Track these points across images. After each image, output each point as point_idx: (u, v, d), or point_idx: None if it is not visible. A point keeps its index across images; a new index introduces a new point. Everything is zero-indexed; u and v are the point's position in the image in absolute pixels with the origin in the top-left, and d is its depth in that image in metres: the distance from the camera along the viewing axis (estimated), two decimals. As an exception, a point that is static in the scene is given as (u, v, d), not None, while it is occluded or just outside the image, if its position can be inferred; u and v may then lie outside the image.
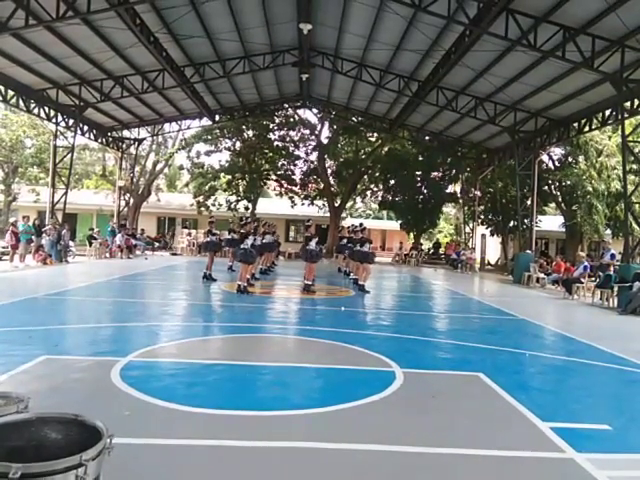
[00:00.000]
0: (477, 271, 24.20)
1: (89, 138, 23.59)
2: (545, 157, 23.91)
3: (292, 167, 31.84)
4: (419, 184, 30.08)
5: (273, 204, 36.12)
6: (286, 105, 27.31)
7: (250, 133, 30.51)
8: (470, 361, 6.16)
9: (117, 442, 3.28)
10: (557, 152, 25.37)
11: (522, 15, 11.60)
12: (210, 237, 14.21)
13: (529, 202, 20.85)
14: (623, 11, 10.48)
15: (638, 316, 11.04)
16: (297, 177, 31.92)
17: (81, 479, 1.80)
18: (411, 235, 31.67)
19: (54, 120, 19.21)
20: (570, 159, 24.53)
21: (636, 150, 16.68)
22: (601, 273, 13.75)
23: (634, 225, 17.24)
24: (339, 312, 9.82)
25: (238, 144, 30.95)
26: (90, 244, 22.26)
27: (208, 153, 30.94)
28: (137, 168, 29.26)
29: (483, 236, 27.09)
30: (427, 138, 26.50)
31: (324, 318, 9.23)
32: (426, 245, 34.35)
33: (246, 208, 30.44)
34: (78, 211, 30.44)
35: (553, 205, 28.58)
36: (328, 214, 31.09)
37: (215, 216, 19.63)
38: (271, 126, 30.42)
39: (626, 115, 13.68)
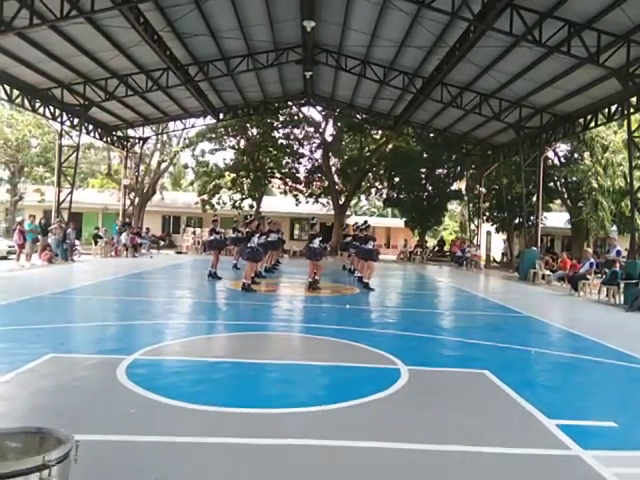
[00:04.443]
0: (482, 268, 24.13)
1: (94, 137, 23.64)
2: (550, 153, 23.76)
3: (296, 165, 31.87)
4: (424, 181, 30.02)
5: (277, 202, 36.14)
6: (290, 103, 27.29)
7: (254, 131, 30.53)
8: (475, 358, 6.14)
9: (123, 439, 3.32)
10: (562, 148, 25.24)
11: (527, 10, 11.53)
12: (214, 235, 14.25)
13: (534, 199, 20.74)
14: (628, 6, 10.40)
15: (645, 313, 10.98)
16: (301, 175, 31.94)
17: None
18: (416, 232, 31.61)
19: (59, 119, 19.26)
20: (576, 155, 24.41)
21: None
22: (607, 270, 13.67)
23: (640, 221, 17.11)
24: (344, 310, 9.82)
25: (242, 142, 31.00)
26: (95, 243, 22.38)
27: (212, 151, 31.03)
28: (142, 167, 29.30)
29: (488, 233, 27.00)
30: (432, 135, 26.38)
31: (329, 316, 9.22)
32: (431, 242, 34.26)
33: (250, 206, 30.48)
34: (83, 210, 30.53)
35: (559, 202, 28.45)
36: (332, 212, 31.08)
37: (220, 214, 19.68)
38: (275, 124, 30.41)
39: (632, 110, 13.58)
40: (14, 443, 2.02)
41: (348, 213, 34.38)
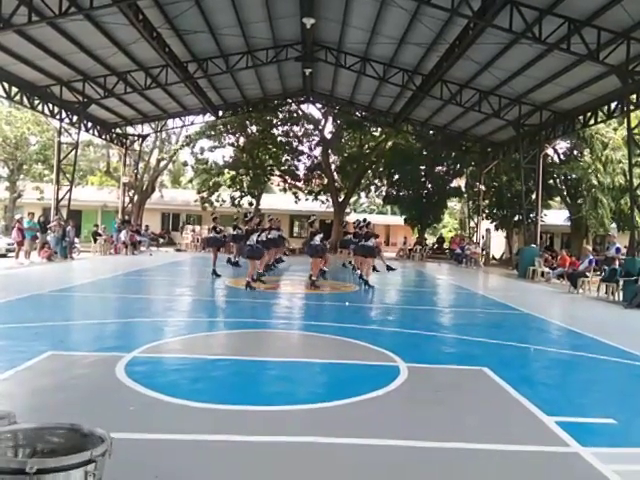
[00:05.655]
0: (482, 266, 24.12)
1: (93, 134, 23.61)
2: (550, 151, 23.78)
3: (296, 162, 31.85)
4: (423, 179, 30.02)
5: (277, 199, 36.12)
6: (289, 100, 27.23)
7: (254, 128, 30.49)
8: (475, 355, 6.15)
9: (122, 437, 3.31)
10: (562, 145, 25.24)
11: (527, 7, 11.50)
12: (213, 233, 14.29)
13: (534, 196, 20.74)
14: (628, 3, 10.38)
15: (644, 310, 10.99)
16: (301, 172, 31.92)
17: (91, 475, 1.84)
18: (415, 230, 31.61)
19: (58, 117, 19.21)
20: (575, 152, 24.40)
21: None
22: (606, 267, 13.68)
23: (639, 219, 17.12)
24: (344, 307, 9.82)
25: (242, 140, 30.95)
26: (95, 240, 22.36)
27: (212, 149, 30.96)
28: (141, 164, 29.28)
29: (488, 230, 26.99)
30: (431, 132, 26.38)
31: (328, 313, 9.23)
32: (430, 240, 34.27)
33: (250, 204, 30.47)
34: (82, 208, 30.51)
35: (558, 199, 28.46)
36: (332, 209, 31.07)
37: (219, 212, 19.69)
38: (275, 121, 30.37)
39: (632, 107, 13.56)
40: (55, 438, 2.16)
41: (348, 210, 34.38)
